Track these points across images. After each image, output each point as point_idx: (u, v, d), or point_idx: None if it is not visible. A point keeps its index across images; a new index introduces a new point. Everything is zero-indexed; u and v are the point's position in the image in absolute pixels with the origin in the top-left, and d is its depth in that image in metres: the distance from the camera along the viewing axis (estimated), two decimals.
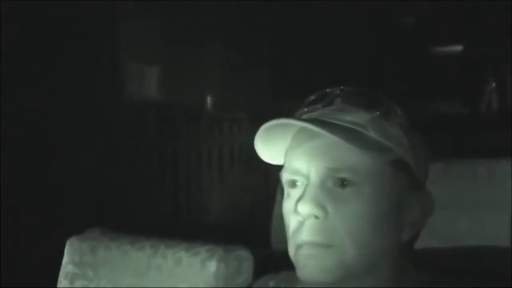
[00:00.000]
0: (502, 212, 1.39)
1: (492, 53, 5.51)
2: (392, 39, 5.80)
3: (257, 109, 5.12)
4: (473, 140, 4.36)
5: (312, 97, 1.07)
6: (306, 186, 1.00)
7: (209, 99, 5.91)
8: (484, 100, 5.59)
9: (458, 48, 5.77)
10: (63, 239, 1.50)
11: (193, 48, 5.65)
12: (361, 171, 0.99)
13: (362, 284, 1.00)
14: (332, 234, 0.98)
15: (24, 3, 4.44)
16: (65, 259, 1.48)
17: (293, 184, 1.03)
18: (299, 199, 0.99)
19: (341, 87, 1.06)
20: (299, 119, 1.03)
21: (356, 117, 1.02)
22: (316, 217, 0.98)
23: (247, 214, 4.69)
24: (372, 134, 1.01)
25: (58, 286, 1.48)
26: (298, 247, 1.00)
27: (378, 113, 1.02)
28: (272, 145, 1.05)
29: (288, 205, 1.03)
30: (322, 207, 0.98)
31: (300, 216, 0.99)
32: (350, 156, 0.99)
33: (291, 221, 1.01)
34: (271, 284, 1.16)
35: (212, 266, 1.29)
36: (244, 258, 1.30)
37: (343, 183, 0.99)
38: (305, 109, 1.06)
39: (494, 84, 5.59)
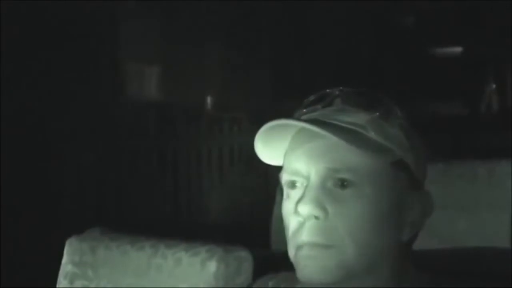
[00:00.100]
0: (502, 213, 1.40)
1: (492, 53, 5.51)
2: (392, 39, 5.80)
3: (257, 109, 5.12)
4: (473, 141, 4.37)
5: (312, 98, 1.07)
6: (306, 187, 1.00)
7: (209, 99, 5.91)
8: (484, 101, 5.60)
9: (458, 48, 5.77)
10: (63, 239, 1.50)
11: (193, 48, 5.66)
12: (361, 171, 0.99)
13: (362, 284, 1.00)
14: (332, 234, 0.98)
15: (24, 3, 4.44)
16: (64, 259, 1.48)
17: (292, 185, 1.03)
18: (300, 200, 0.99)
19: (341, 87, 1.06)
20: (300, 119, 1.03)
21: (356, 118, 1.02)
22: (316, 217, 0.98)
23: (247, 214, 4.69)
24: (372, 134, 1.01)
25: (57, 286, 1.48)
26: (298, 248, 1.00)
27: (378, 113, 1.02)
28: (271, 146, 1.05)
29: (288, 206, 1.03)
30: (323, 208, 0.98)
31: (300, 217, 0.99)
32: (350, 156, 0.99)
33: (291, 222, 1.01)
34: (270, 284, 1.16)
35: (212, 266, 1.29)
36: (244, 258, 1.30)
37: (343, 183, 0.99)
38: (304, 110, 1.06)
39: (494, 85, 5.59)
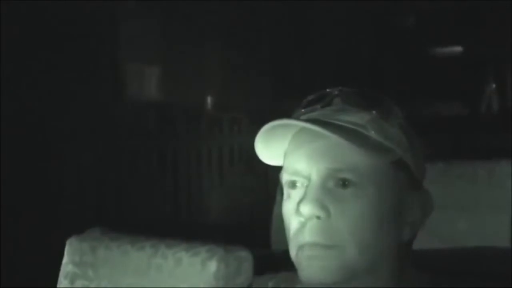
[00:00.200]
0: (502, 213, 1.40)
1: (492, 53, 5.51)
2: (392, 39, 5.80)
3: (257, 109, 5.12)
4: (473, 141, 4.36)
5: (310, 98, 1.07)
6: (307, 187, 1.00)
7: (209, 99, 5.91)
8: (484, 101, 5.59)
9: (458, 48, 5.77)
10: (63, 239, 1.50)
11: (193, 48, 5.66)
12: (362, 171, 0.99)
13: (362, 284, 1.00)
14: (334, 234, 0.98)
15: (24, 3, 4.44)
16: (65, 259, 1.48)
17: (293, 185, 1.02)
18: (301, 200, 0.99)
19: (340, 87, 1.06)
20: (302, 120, 1.03)
21: (356, 118, 1.02)
22: (318, 217, 0.98)
23: (247, 214, 4.69)
24: (372, 134, 1.01)
25: (58, 286, 1.48)
26: (300, 248, 1.00)
27: (378, 113, 1.02)
28: (271, 146, 1.05)
29: (289, 206, 1.02)
30: (324, 208, 0.98)
31: (302, 217, 0.99)
32: (351, 156, 0.99)
33: (293, 222, 1.01)
34: (270, 284, 1.16)
35: (213, 266, 1.29)
36: (244, 258, 1.30)
37: (344, 183, 0.99)
38: (303, 110, 1.06)
39: (494, 85, 5.59)
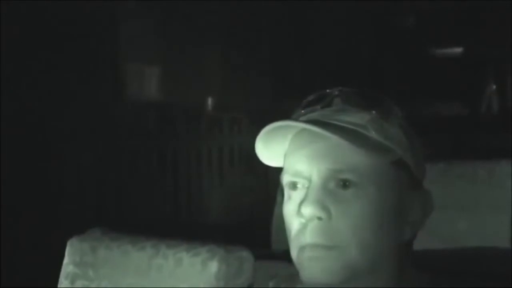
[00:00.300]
0: (502, 213, 1.39)
1: (492, 53, 5.51)
2: (392, 39, 5.80)
3: (257, 109, 5.12)
4: (473, 141, 4.36)
5: (310, 98, 1.07)
6: (307, 188, 1.00)
7: (209, 99, 5.91)
8: (484, 101, 5.59)
9: (458, 48, 5.76)
10: (64, 239, 1.50)
11: (193, 48, 5.66)
12: (363, 171, 0.99)
13: (363, 284, 1.00)
14: (335, 235, 0.98)
15: (24, 3, 4.44)
16: (66, 260, 1.48)
17: (294, 186, 1.02)
18: (302, 201, 0.99)
19: (340, 87, 1.06)
20: (303, 121, 1.02)
21: (356, 118, 1.02)
22: (319, 218, 0.98)
23: (247, 214, 4.69)
24: (372, 134, 1.01)
25: (59, 286, 1.48)
26: (301, 249, 1.00)
27: (378, 113, 1.02)
28: (272, 147, 1.05)
29: (289, 207, 1.02)
30: (326, 209, 0.98)
31: (303, 218, 0.99)
32: (352, 156, 0.99)
33: (294, 223, 1.01)
34: (271, 284, 1.16)
35: (213, 266, 1.29)
36: (245, 258, 1.30)
37: (345, 184, 0.99)
38: (303, 111, 1.06)
39: (494, 85, 5.59)
